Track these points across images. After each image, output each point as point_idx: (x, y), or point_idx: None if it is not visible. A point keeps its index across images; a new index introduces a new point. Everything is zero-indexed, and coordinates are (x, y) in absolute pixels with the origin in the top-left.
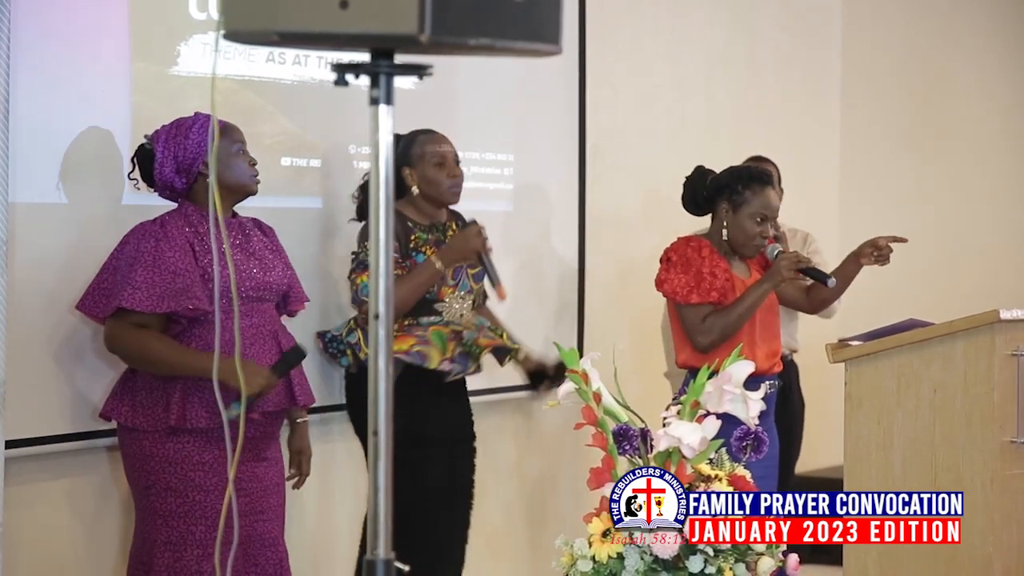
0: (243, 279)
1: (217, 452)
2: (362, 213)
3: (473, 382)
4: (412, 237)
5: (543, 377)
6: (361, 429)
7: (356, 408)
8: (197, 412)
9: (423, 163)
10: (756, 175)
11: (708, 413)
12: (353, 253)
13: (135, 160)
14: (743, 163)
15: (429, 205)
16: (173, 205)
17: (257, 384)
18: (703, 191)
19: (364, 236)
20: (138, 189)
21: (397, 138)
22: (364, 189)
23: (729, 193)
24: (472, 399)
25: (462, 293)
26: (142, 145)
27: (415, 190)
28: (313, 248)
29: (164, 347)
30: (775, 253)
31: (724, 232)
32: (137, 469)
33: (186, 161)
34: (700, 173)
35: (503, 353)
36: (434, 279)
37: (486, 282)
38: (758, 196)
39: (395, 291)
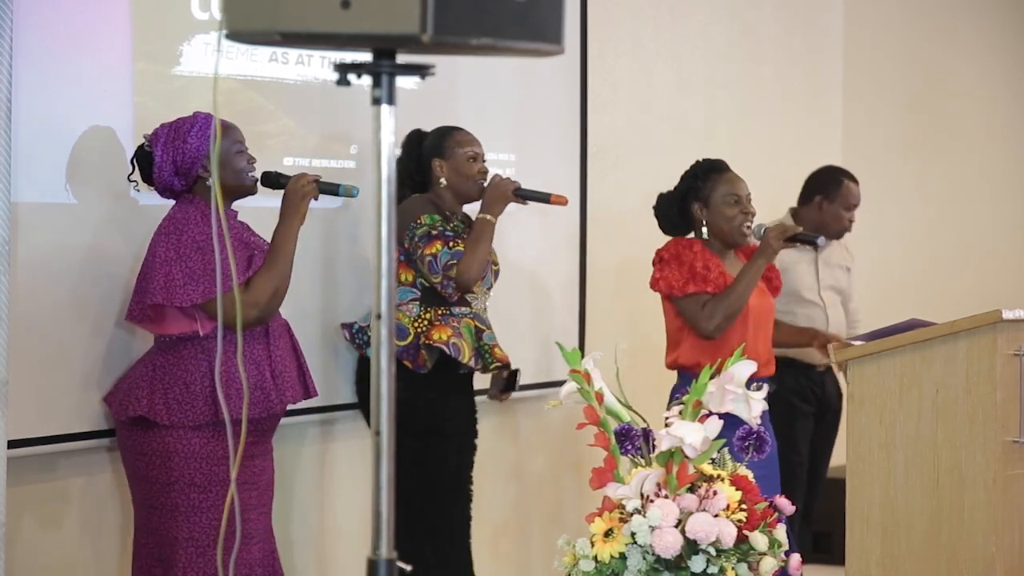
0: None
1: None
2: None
3: (481, 379)
4: (451, 224)
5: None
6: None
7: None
8: (237, 406)
9: (457, 156)
10: (709, 166)
11: (710, 413)
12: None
13: (134, 161)
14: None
15: (453, 198)
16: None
17: (308, 183)
18: (673, 209)
19: (411, 215)
20: (138, 191)
21: (419, 133)
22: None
23: (695, 193)
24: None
25: (485, 288)
26: (141, 146)
27: (443, 182)
28: (317, 244)
29: (265, 274)
30: (762, 231)
31: (705, 231)
32: (157, 466)
33: (185, 164)
34: (663, 197)
35: (502, 368)
36: (493, 233)
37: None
38: (720, 182)
39: (472, 256)
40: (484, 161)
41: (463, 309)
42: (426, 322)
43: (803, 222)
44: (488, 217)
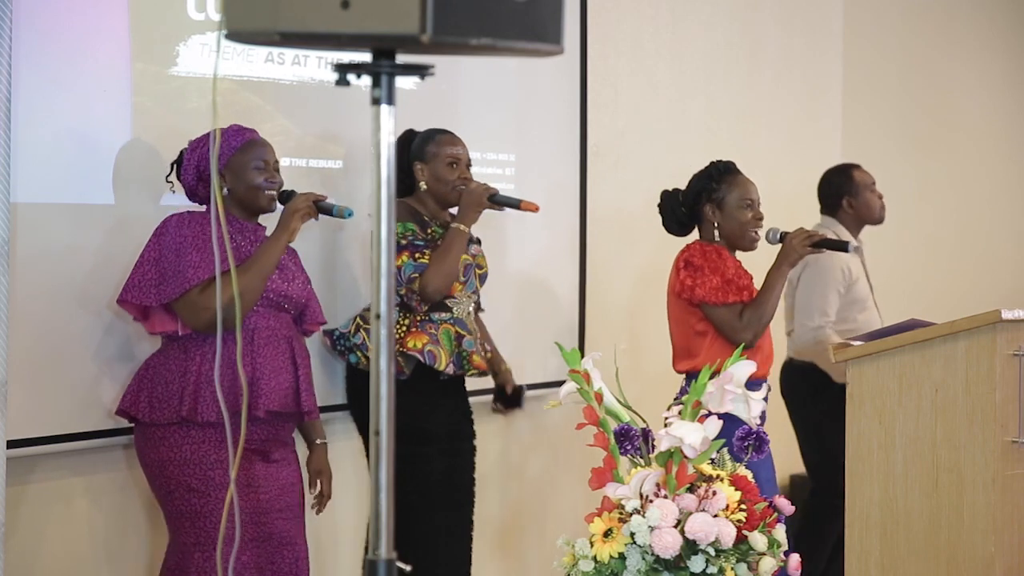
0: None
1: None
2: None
3: (474, 382)
4: (428, 231)
5: (500, 398)
6: (362, 424)
7: (357, 403)
8: (208, 407)
9: (436, 161)
10: (724, 168)
11: (710, 413)
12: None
13: (173, 165)
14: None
15: (436, 204)
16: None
17: (304, 202)
18: (680, 208)
19: None
20: (173, 192)
21: (411, 134)
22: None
23: (708, 194)
24: (472, 399)
25: (469, 292)
26: (181, 151)
27: (423, 186)
28: (315, 247)
29: (242, 275)
30: (778, 235)
31: (717, 232)
32: (158, 475)
33: (206, 170)
34: (668, 195)
35: (485, 375)
36: (464, 243)
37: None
38: (735, 185)
39: (437, 268)
40: (470, 165)
41: (443, 315)
42: (404, 328)
43: (849, 226)
44: (459, 226)
